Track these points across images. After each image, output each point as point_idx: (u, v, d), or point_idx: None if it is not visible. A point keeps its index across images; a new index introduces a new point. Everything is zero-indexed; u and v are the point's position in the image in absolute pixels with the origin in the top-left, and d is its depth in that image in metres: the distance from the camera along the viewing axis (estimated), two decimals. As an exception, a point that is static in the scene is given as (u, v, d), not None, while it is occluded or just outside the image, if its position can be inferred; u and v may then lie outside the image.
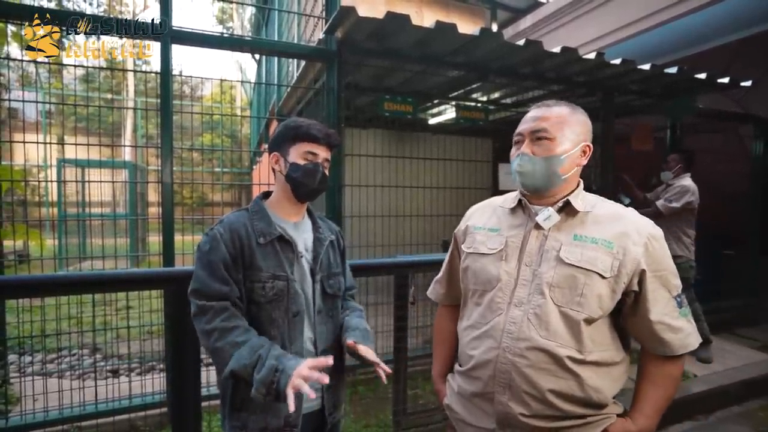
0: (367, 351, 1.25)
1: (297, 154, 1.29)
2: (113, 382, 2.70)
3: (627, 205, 1.17)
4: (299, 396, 1.21)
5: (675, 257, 3.47)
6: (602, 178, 3.82)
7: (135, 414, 2.59)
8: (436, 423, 2.41)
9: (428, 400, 2.85)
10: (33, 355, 3.60)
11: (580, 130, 1.13)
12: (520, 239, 1.14)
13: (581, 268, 1.04)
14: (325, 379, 1.09)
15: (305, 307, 1.29)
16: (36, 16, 2.23)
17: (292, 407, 1.03)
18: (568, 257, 1.05)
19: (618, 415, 1.09)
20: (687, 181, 3.57)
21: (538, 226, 1.12)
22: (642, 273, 1.04)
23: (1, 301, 2.85)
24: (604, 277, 1.03)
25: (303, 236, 1.35)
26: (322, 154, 1.32)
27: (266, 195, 1.39)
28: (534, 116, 1.14)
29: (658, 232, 1.09)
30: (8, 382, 2.89)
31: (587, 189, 1.19)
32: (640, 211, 1.19)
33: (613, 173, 3.85)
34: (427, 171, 3.77)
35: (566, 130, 1.10)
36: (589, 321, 1.04)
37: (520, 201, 1.19)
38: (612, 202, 1.17)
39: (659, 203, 3.54)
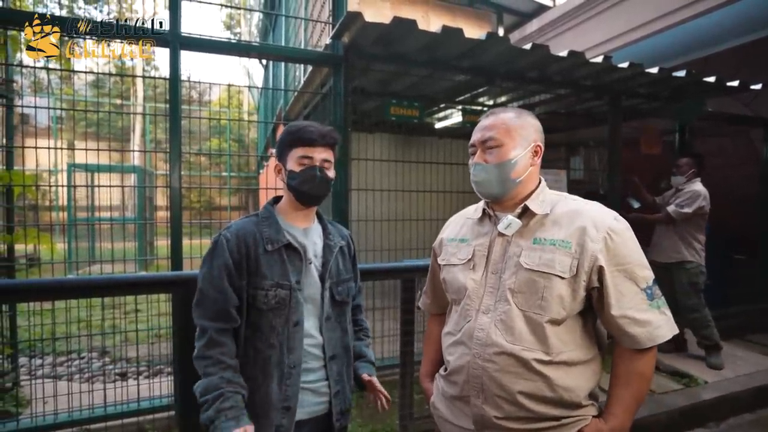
0: (377, 383, 1.40)
1: (293, 160, 1.27)
2: (122, 385, 2.72)
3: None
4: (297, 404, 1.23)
5: (685, 262, 3.48)
6: (610, 181, 3.79)
7: (143, 417, 2.60)
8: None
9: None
10: (43, 357, 3.63)
11: (528, 132, 1.15)
12: (486, 247, 1.16)
13: (540, 271, 1.06)
14: None
15: (314, 313, 1.29)
16: (36, 16, 2.27)
17: None
18: (527, 262, 1.07)
19: (593, 417, 1.10)
20: (698, 185, 3.52)
21: (501, 233, 1.14)
22: (600, 269, 1.04)
23: (12, 304, 2.89)
24: (563, 278, 1.04)
25: (312, 242, 1.33)
26: (320, 155, 1.27)
27: (277, 200, 1.37)
28: (482, 125, 1.17)
29: (620, 225, 1.08)
30: (19, 385, 2.93)
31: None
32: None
33: (621, 177, 3.82)
34: (433, 175, 3.76)
35: (514, 135, 1.13)
36: (555, 322, 1.05)
37: (484, 210, 1.22)
38: (574, 197, 1.18)
39: (671, 209, 3.48)
